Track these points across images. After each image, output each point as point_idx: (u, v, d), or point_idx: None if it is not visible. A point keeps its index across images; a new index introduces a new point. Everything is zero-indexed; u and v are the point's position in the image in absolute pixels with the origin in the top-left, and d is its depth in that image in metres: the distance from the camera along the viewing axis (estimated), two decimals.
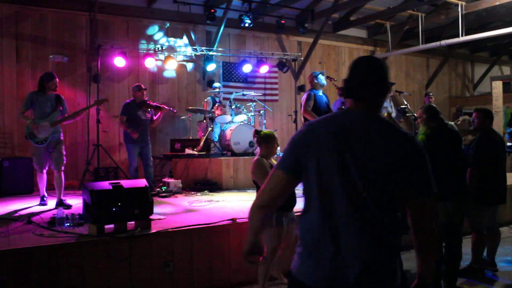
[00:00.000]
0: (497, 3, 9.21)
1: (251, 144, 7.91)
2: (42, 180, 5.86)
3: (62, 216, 4.37)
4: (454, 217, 4.08)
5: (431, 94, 10.03)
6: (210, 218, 4.77)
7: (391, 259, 1.70)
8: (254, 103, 8.93)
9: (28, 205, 5.78)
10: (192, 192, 6.92)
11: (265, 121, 8.99)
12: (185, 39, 9.65)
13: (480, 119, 4.70)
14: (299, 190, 1.97)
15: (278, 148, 4.30)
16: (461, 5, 9.48)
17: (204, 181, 7.40)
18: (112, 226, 4.05)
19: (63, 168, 5.87)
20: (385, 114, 5.54)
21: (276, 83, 10.80)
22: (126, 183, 4.16)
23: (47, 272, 3.65)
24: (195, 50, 9.50)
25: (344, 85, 1.88)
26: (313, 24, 10.16)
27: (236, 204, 5.82)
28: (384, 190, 1.68)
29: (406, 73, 13.29)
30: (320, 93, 6.83)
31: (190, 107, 8.93)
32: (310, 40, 10.69)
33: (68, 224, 4.33)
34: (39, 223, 4.45)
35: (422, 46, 10.66)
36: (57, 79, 5.86)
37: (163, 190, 6.79)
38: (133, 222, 4.18)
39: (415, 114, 6.51)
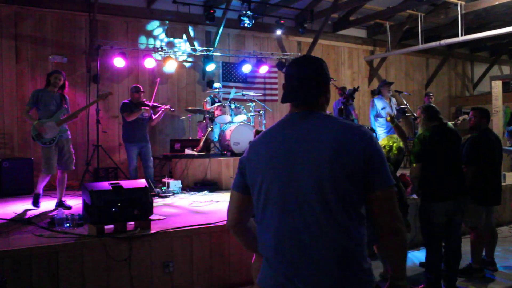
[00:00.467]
0: (497, 3, 9.20)
1: None
2: (44, 182, 5.67)
3: (61, 217, 4.38)
4: (453, 217, 4.09)
5: (431, 94, 10.03)
6: (210, 218, 4.78)
7: (349, 274, 1.59)
8: (254, 103, 8.94)
9: (28, 205, 5.76)
10: (192, 193, 6.92)
11: (264, 121, 8.99)
12: (184, 39, 9.65)
13: (477, 118, 4.71)
14: None
15: None
16: (461, 5, 9.48)
17: (204, 181, 7.40)
18: (112, 226, 4.05)
19: (73, 167, 5.84)
20: (388, 119, 5.51)
21: (275, 83, 10.80)
22: (125, 183, 4.16)
23: (47, 273, 3.65)
24: (195, 50, 9.51)
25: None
26: (312, 24, 10.16)
27: None
28: (332, 192, 1.57)
29: (405, 73, 13.29)
30: None
31: (190, 108, 8.94)
32: (310, 40, 10.69)
33: (67, 224, 4.33)
34: (38, 224, 4.46)
35: (421, 46, 10.66)
36: (61, 75, 5.73)
37: (163, 190, 6.79)
38: (132, 223, 4.18)
39: (415, 114, 6.52)
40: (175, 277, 4.17)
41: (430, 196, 4.07)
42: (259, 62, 9.91)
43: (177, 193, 6.83)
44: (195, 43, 9.68)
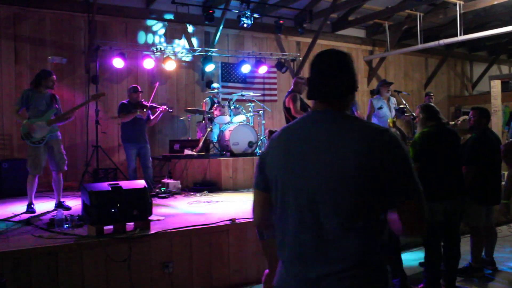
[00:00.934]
0: (495, 2, 9.21)
1: (250, 144, 7.92)
2: (33, 185, 5.52)
3: (61, 218, 4.37)
4: (452, 217, 4.09)
5: (431, 94, 10.01)
6: (209, 218, 4.77)
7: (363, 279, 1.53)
8: (253, 104, 8.94)
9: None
10: (191, 193, 6.92)
11: (264, 122, 8.99)
12: (183, 40, 9.65)
13: (476, 118, 4.71)
14: None
15: None
16: (460, 5, 9.48)
17: (203, 181, 7.40)
18: (111, 227, 4.05)
19: (65, 168, 5.74)
20: (390, 124, 5.49)
21: (275, 84, 10.80)
22: (125, 184, 4.16)
23: (47, 274, 3.65)
24: (194, 50, 9.51)
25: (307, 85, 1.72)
26: (311, 24, 10.16)
27: (235, 204, 5.82)
28: (351, 197, 1.50)
29: (404, 73, 13.29)
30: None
31: (189, 108, 8.94)
32: (309, 40, 10.69)
33: (67, 225, 4.33)
34: (38, 225, 4.45)
35: (420, 46, 10.66)
36: (54, 77, 5.72)
37: (162, 191, 6.79)
38: (132, 223, 4.18)
39: (414, 114, 6.51)
40: (174, 278, 4.17)
41: (429, 195, 4.06)
42: (258, 62, 9.91)
43: (177, 193, 6.83)
44: (194, 44, 9.68)
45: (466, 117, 8.04)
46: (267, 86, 10.68)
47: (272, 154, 1.72)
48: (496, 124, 8.37)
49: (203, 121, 8.41)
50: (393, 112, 7.73)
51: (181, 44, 9.63)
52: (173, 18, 9.26)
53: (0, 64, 7.80)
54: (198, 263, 4.33)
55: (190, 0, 8.55)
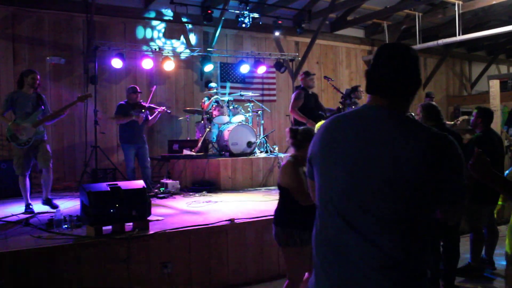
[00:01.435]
0: (494, 2, 9.22)
1: (249, 144, 7.91)
2: (26, 186, 5.54)
3: (60, 218, 4.37)
4: None
5: (432, 95, 9.95)
6: (208, 218, 4.77)
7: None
8: (252, 104, 8.93)
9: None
10: (190, 193, 6.91)
11: (262, 122, 8.98)
12: (182, 40, 9.65)
13: (479, 118, 4.70)
14: None
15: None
16: (458, 4, 9.49)
17: (202, 181, 7.39)
18: (110, 227, 4.05)
19: (51, 165, 5.67)
20: None
21: (273, 84, 10.80)
22: (123, 184, 4.16)
23: (45, 275, 3.65)
24: (193, 50, 9.50)
25: (365, 77, 1.60)
26: (310, 24, 10.16)
27: (234, 204, 5.81)
28: (396, 203, 1.42)
29: None
30: (310, 92, 7.14)
31: (188, 108, 8.93)
32: (308, 40, 10.69)
33: (66, 226, 4.32)
34: (37, 225, 4.44)
35: (419, 46, 10.65)
36: (37, 76, 5.64)
37: (161, 191, 6.78)
38: (131, 224, 4.18)
39: (412, 114, 6.51)
40: (173, 278, 4.17)
41: None
42: (257, 62, 9.91)
43: (176, 193, 6.82)
44: (193, 44, 9.68)
45: (466, 117, 8.06)
46: (266, 86, 10.68)
47: (317, 144, 1.64)
48: (495, 123, 8.37)
49: (202, 121, 8.41)
50: None
51: (179, 44, 9.62)
52: (171, 18, 9.25)
53: None
54: (197, 263, 4.32)
55: (188, 0, 8.53)
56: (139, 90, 7.14)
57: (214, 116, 8.10)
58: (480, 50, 14.94)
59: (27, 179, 5.60)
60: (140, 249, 4.03)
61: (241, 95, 8.87)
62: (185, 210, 5.47)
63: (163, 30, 9.43)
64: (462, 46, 14.09)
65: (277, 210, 3.33)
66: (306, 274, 3.32)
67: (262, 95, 10.40)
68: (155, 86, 8.01)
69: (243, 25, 8.82)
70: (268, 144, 8.56)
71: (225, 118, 8.13)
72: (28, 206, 5.50)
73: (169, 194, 6.73)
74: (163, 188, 6.85)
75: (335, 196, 1.52)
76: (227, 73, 10.19)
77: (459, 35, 9.59)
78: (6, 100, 5.56)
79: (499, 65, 15.64)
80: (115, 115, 7.03)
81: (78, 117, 8.35)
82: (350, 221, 1.47)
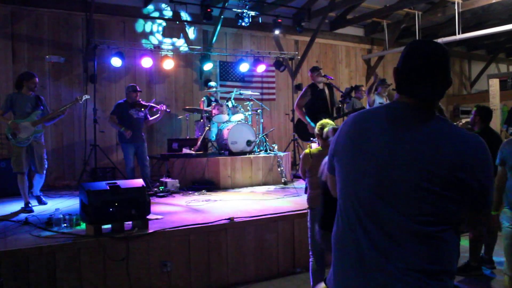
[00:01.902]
0: (494, 1, 9.22)
1: (248, 143, 7.90)
2: (24, 184, 5.60)
3: (59, 217, 4.36)
4: None
5: None
6: (207, 217, 4.77)
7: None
8: (251, 102, 8.93)
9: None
10: (190, 192, 6.91)
11: (262, 120, 8.98)
12: (181, 39, 9.64)
13: (477, 116, 4.71)
14: None
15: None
16: (458, 3, 9.48)
17: (201, 180, 7.39)
18: (109, 226, 4.05)
19: (44, 172, 5.86)
20: None
21: (273, 82, 10.80)
22: (123, 183, 4.15)
23: (45, 274, 3.65)
24: (192, 49, 9.49)
25: (393, 75, 1.56)
26: (309, 23, 10.16)
27: (233, 203, 5.81)
28: (420, 206, 1.39)
29: None
30: (320, 87, 7.09)
31: (187, 107, 8.92)
32: (307, 38, 10.69)
33: (65, 225, 4.32)
34: (36, 224, 4.44)
35: None
36: (36, 79, 5.79)
37: (161, 190, 6.78)
38: (130, 222, 4.18)
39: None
40: (173, 277, 4.17)
41: None
42: (257, 61, 9.90)
43: (175, 192, 6.82)
44: (192, 42, 9.67)
45: (468, 120, 8.03)
46: (265, 85, 10.68)
47: (341, 140, 1.62)
48: (494, 122, 8.38)
49: (202, 120, 8.40)
50: None
51: (179, 43, 9.61)
52: (171, 17, 9.24)
53: None
54: (196, 262, 4.32)
55: None
56: (138, 89, 7.13)
57: (213, 115, 8.09)
58: (480, 49, 14.94)
59: (25, 177, 5.67)
60: (140, 248, 4.03)
61: (241, 94, 8.86)
62: (184, 209, 5.47)
63: (162, 29, 9.42)
64: (462, 45, 14.09)
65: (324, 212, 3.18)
66: None
67: (262, 93, 10.39)
68: (154, 99, 7.98)
69: (243, 24, 8.82)
70: (267, 143, 8.55)
71: (225, 117, 8.12)
72: (27, 204, 5.52)
73: (169, 193, 6.72)
74: (162, 187, 6.85)
75: (362, 193, 1.48)
76: (226, 71, 10.18)
77: (458, 34, 9.59)
78: (6, 101, 5.70)
79: (499, 64, 15.64)
80: (111, 114, 7.01)
81: (78, 116, 8.35)
82: (376, 220, 1.44)
